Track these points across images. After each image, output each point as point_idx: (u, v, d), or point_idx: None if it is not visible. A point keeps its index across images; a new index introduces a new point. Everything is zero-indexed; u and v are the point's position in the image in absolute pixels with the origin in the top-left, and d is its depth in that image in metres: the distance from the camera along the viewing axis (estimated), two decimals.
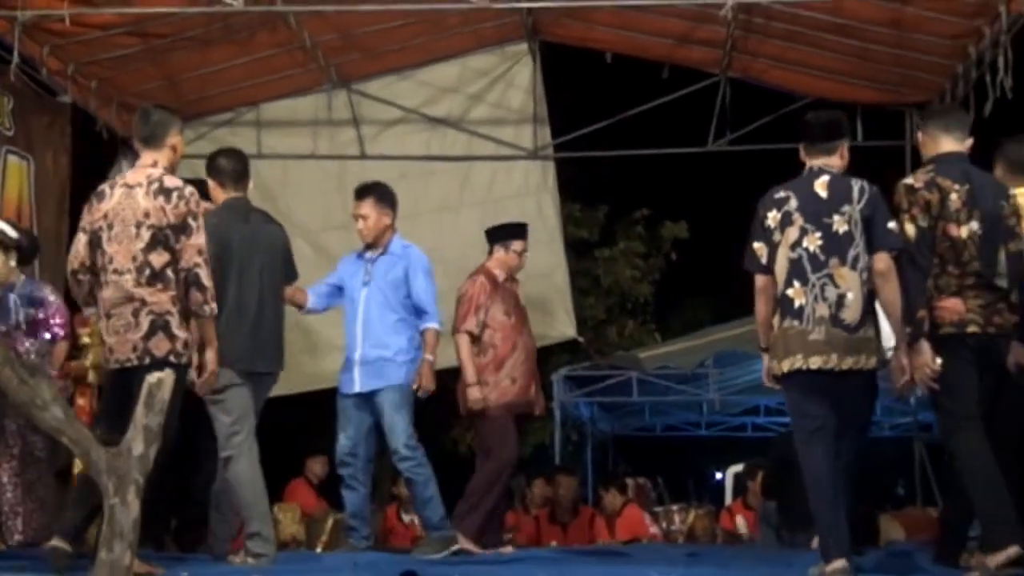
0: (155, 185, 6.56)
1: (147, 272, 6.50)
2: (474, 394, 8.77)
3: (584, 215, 18.36)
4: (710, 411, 19.44)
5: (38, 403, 5.27)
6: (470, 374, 8.81)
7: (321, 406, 9.65)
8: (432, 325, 8.51)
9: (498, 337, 8.92)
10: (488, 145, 12.71)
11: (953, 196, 6.64)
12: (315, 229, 12.34)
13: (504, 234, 9.33)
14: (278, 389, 11.76)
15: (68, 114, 11.06)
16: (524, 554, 8.19)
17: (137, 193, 6.55)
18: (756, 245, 6.76)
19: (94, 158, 11.74)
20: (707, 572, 6.18)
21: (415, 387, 8.32)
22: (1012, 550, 6.15)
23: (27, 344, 8.35)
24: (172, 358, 6.49)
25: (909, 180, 6.75)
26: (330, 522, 10.57)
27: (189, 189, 6.64)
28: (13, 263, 8.41)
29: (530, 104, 12.72)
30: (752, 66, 12.13)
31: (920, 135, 7.15)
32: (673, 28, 11.68)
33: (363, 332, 8.41)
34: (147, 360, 6.46)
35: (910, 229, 6.64)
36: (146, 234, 6.50)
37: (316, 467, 12.91)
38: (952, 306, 6.63)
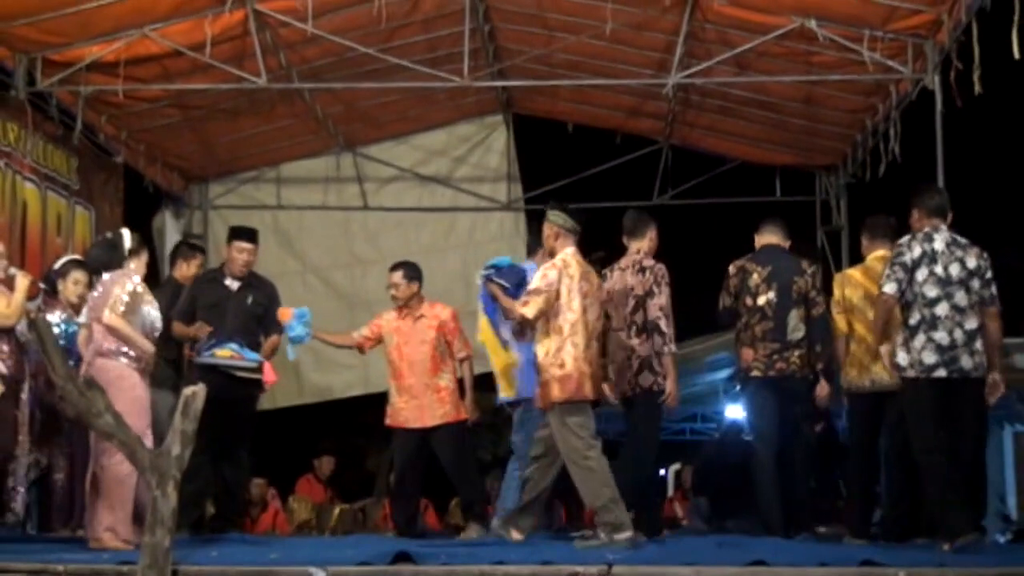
0: (637, 267, 7.64)
1: (634, 328, 7.49)
2: None
3: None
4: None
5: (94, 411, 5.29)
6: None
7: (329, 415, 9.61)
8: None
9: None
10: (470, 199, 12.76)
11: (754, 276, 7.79)
12: (325, 267, 12.39)
13: None
14: (291, 400, 11.89)
15: (121, 172, 11.05)
16: (497, 539, 8.14)
17: (627, 274, 7.63)
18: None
19: (141, 208, 11.78)
20: (654, 552, 6.19)
21: None
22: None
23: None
24: (655, 387, 7.47)
25: (731, 266, 7.95)
26: (336, 511, 10.55)
27: (658, 267, 7.59)
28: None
29: (504, 165, 12.78)
30: (689, 135, 12.20)
31: (756, 236, 8.09)
32: (624, 103, 11.77)
33: None
34: (638, 390, 7.51)
35: (720, 303, 8.00)
36: (631, 301, 7.53)
37: (325, 467, 12.84)
38: (743, 355, 7.82)
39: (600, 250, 16.83)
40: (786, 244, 8.06)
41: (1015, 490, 12.57)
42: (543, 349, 6.82)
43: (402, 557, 5.37)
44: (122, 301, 6.70)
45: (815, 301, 7.75)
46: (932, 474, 6.50)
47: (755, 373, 7.76)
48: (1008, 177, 18.39)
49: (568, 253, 7.01)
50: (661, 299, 7.47)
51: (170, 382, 8.23)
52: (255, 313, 8.57)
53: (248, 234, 8.73)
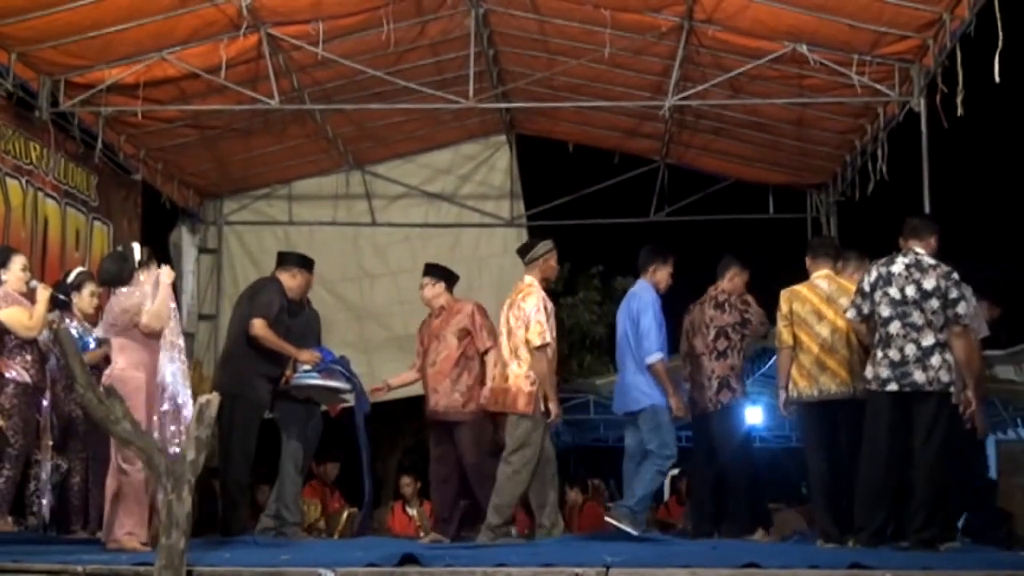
0: (715, 300, 8.47)
1: (714, 354, 8.33)
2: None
3: None
4: None
5: (112, 418, 5.29)
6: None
7: (336, 421, 9.58)
8: None
9: None
10: (474, 215, 12.76)
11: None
12: (334, 280, 12.37)
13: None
14: None
15: (139, 189, 11.08)
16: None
17: (707, 306, 8.50)
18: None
19: (159, 224, 11.80)
20: (650, 553, 6.19)
21: None
22: None
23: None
24: (733, 403, 8.29)
25: None
26: (345, 515, 10.51)
27: (739, 304, 8.37)
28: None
29: (508, 183, 12.79)
30: (685, 154, 12.21)
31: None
32: (622, 124, 11.77)
33: None
34: (719, 407, 8.30)
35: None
36: (712, 331, 8.38)
37: (330, 472, 12.72)
38: None
39: (598, 264, 16.71)
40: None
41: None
42: None
43: (408, 559, 5.37)
44: (146, 306, 6.68)
45: None
46: (863, 480, 6.87)
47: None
48: (990, 195, 18.43)
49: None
50: (743, 327, 8.36)
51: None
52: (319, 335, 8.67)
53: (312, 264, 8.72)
